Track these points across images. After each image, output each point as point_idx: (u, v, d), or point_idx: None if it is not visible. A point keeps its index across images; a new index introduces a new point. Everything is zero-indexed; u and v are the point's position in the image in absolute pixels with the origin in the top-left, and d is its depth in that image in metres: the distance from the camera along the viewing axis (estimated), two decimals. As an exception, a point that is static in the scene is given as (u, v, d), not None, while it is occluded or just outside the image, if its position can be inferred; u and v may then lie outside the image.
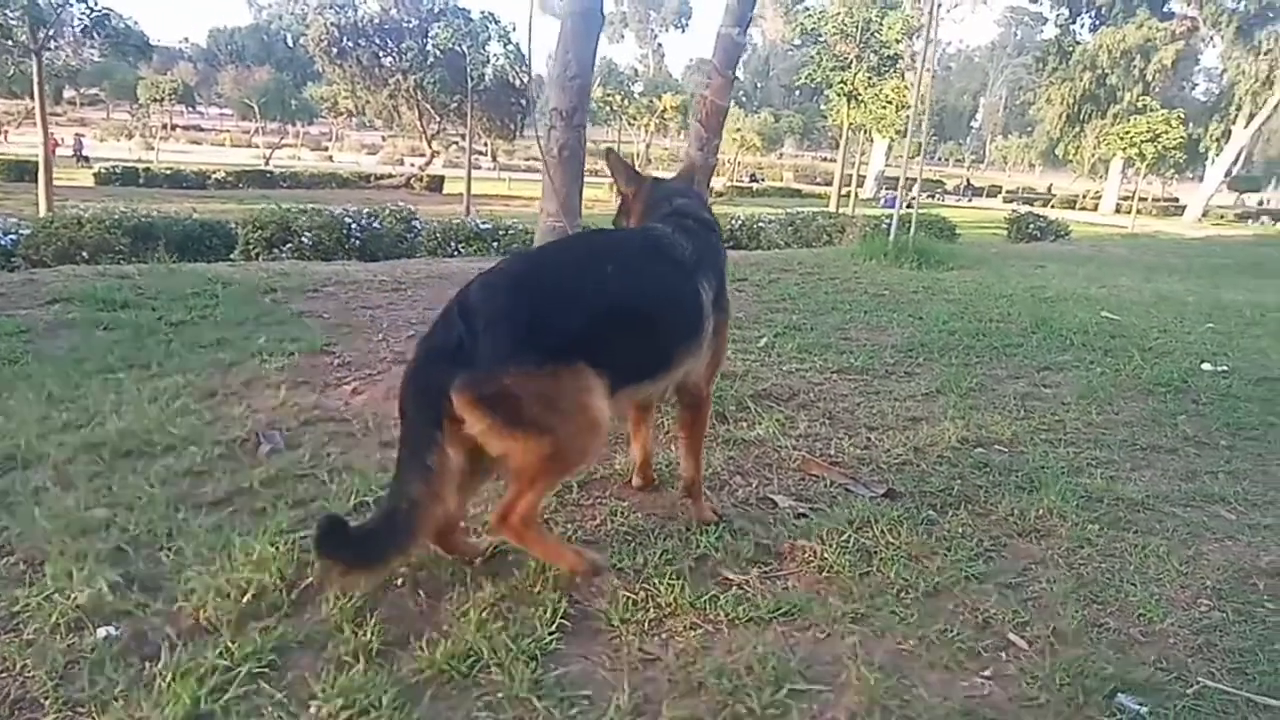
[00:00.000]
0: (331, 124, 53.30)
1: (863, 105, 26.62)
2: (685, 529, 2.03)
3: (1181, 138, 33.39)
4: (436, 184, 32.73)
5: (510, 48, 33.09)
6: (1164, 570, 1.97)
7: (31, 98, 18.99)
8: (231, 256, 8.86)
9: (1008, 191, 48.27)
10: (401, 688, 1.41)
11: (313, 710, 1.36)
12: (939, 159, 65.29)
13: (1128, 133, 33.56)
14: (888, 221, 8.81)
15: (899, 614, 1.72)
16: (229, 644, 1.48)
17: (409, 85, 34.05)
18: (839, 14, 26.82)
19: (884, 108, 26.55)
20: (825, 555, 1.91)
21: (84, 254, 7.98)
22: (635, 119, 42.98)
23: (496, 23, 33.36)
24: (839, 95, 26.85)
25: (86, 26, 20.59)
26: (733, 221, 13.86)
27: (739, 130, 45.03)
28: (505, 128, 35.41)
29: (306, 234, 8.97)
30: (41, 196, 17.13)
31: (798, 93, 58.26)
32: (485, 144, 41.15)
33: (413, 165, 39.92)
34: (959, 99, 69.82)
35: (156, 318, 3.63)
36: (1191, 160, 41.29)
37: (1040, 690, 1.51)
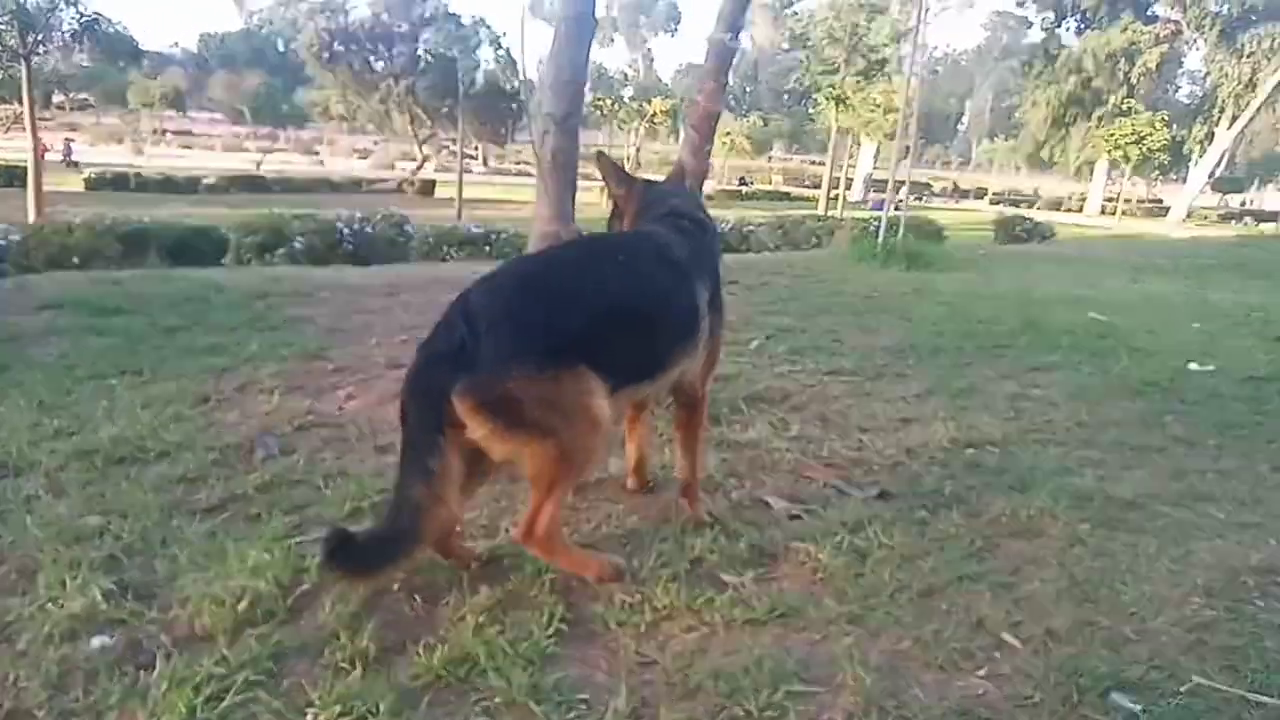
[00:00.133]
0: (323, 129, 53.13)
1: (851, 109, 26.80)
2: (680, 531, 2.03)
3: (1165, 140, 33.78)
4: (428, 188, 32.69)
5: (501, 52, 33.17)
6: (1155, 569, 1.99)
7: (20, 103, 18.83)
8: (223, 262, 8.84)
9: (994, 193, 48.54)
10: (399, 693, 1.41)
11: (310, 717, 1.36)
12: (926, 162, 65.65)
13: (1113, 135, 33.93)
14: (876, 224, 8.85)
15: (894, 615, 1.73)
16: (225, 652, 1.47)
17: (400, 90, 34.09)
18: (827, 19, 27.02)
19: (872, 111, 26.73)
20: (820, 557, 1.92)
21: (75, 260, 7.94)
22: (625, 123, 43.03)
23: (488, 28, 33.45)
24: (827, 99, 27.03)
25: (76, 31, 20.48)
26: (723, 225, 13.89)
27: (728, 134, 45.16)
28: (497, 132, 35.48)
29: (299, 239, 8.95)
30: (31, 202, 17.02)
31: (786, 97, 58.59)
32: (477, 148, 41.14)
33: (404, 170, 39.87)
34: (945, 102, 70.17)
35: (148, 323, 3.61)
36: (1175, 162, 41.76)
37: (1035, 689, 1.52)
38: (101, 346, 3.26)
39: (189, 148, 48.79)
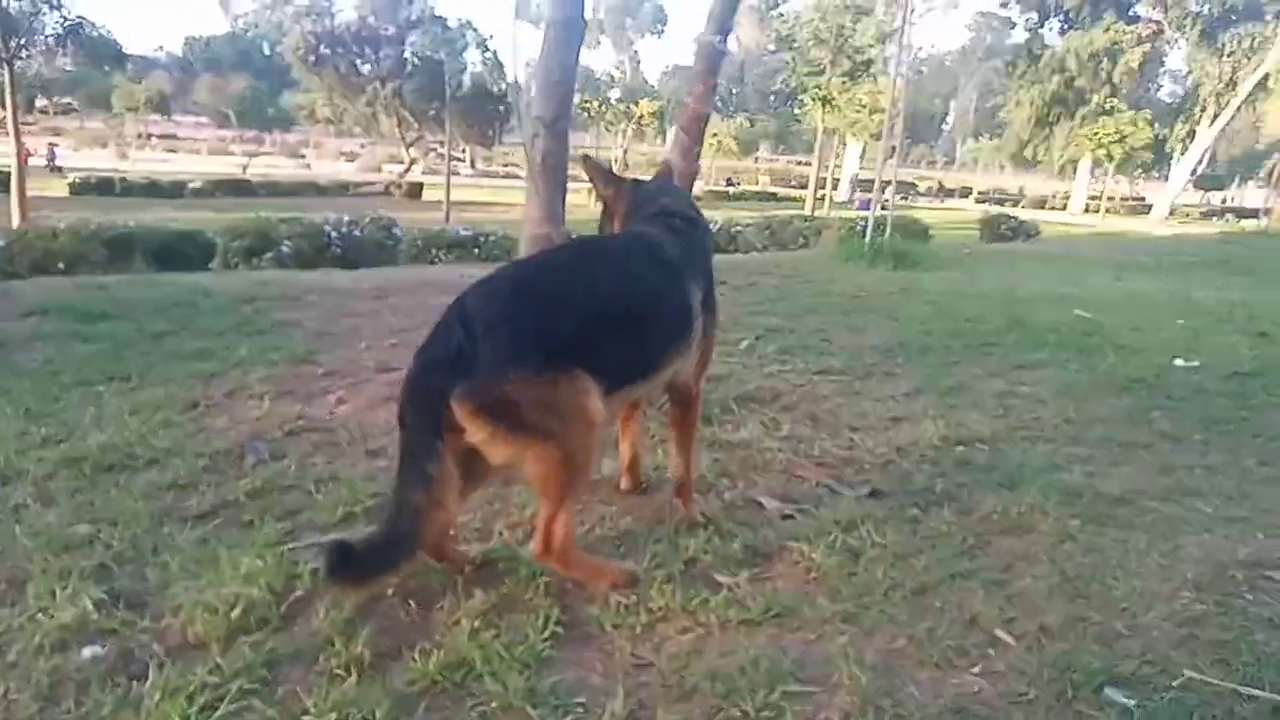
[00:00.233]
0: (309, 132, 52.83)
1: (837, 110, 26.94)
2: (674, 532, 2.03)
3: (1148, 138, 34.13)
4: (416, 191, 32.58)
5: (488, 55, 33.12)
6: (1145, 564, 2.01)
7: (3, 107, 18.63)
8: (210, 266, 8.78)
9: (979, 193, 48.86)
10: (395, 700, 1.41)
11: (306, 724, 1.35)
12: (911, 162, 66.00)
13: (1096, 134, 34.25)
14: (863, 224, 8.90)
15: (888, 613, 1.73)
16: (218, 660, 1.46)
17: (387, 92, 33.99)
18: (813, 20, 27.15)
19: (858, 112, 26.87)
20: (813, 556, 1.93)
21: (60, 265, 7.87)
22: (613, 125, 43.02)
23: (474, 30, 33.40)
24: (813, 100, 27.16)
25: (60, 35, 20.31)
26: (711, 225, 13.91)
27: (715, 135, 45.24)
28: (484, 134, 35.43)
29: (286, 243, 8.90)
30: (15, 207, 16.85)
31: (773, 98, 58.76)
32: (464, 150, 41.04)
33: (391, 173, 39.71)
34: (930, 102, 70.59)
35: (135, 329, 3.58)
36: (1158, 160, 42.23)
37: (1029, 686, 1.53)
38: (88, 353, 3.23)
39: (174, 152, 48.37)
